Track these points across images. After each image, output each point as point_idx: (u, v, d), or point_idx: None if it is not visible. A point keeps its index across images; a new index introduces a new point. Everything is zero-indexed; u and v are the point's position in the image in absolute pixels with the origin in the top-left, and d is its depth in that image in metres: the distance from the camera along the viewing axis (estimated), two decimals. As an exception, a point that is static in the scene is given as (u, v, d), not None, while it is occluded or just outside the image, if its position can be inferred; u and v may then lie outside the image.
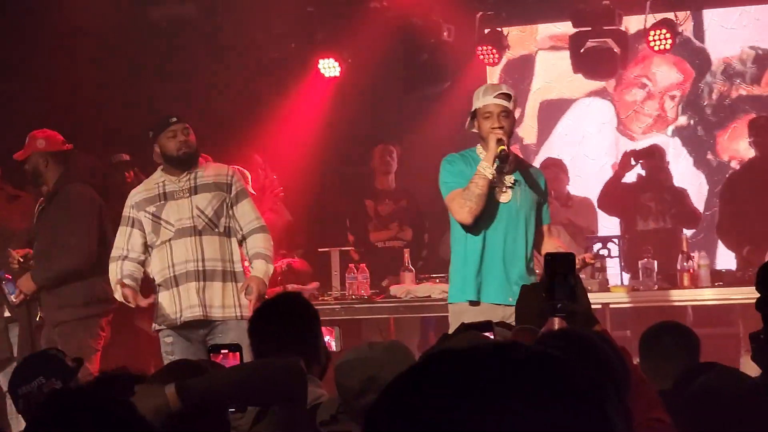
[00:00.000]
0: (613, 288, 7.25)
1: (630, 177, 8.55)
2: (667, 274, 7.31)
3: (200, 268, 5.90)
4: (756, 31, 9.72)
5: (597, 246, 7.57)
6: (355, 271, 7.54)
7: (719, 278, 7.34)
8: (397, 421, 1.04)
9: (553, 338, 2.75)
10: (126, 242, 6.03)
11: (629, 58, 9.10)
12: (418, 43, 9.01)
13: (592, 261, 5.87)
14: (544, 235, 5.61)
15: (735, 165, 9.57)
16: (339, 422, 3.30)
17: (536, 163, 8.64)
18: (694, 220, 8.50)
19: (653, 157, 8.43)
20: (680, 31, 8.89)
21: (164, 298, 5.95)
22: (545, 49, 10.14)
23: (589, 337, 2.62)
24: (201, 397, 2.75)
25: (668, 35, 8.62)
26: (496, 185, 5.43)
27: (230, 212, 6.02)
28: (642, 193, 8.40)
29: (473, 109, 5.46)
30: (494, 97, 5.37)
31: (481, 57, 9.17)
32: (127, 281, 5.91)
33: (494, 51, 9.12)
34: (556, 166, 8.54)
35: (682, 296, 7.25)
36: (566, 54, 9.01)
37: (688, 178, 9.33)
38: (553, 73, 10.05)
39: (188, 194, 5.98)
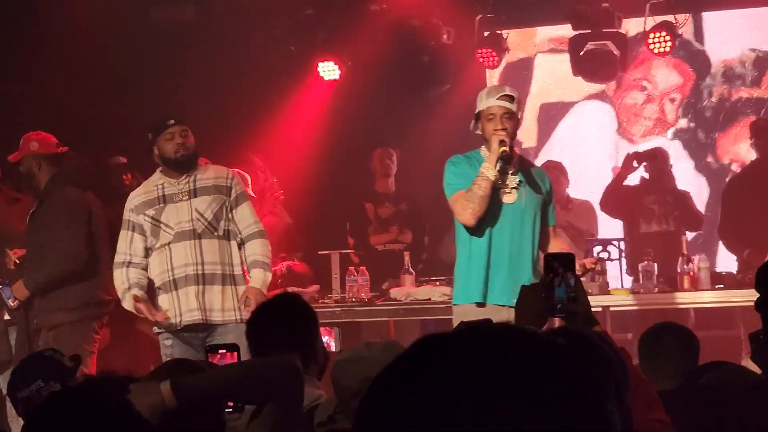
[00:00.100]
0: (613, 291, 7.24)
1: (633, 179, 8.55)
2: (668, 276, 7.30)
3: (200, 272, 5.89)
4: (756, 34, 9.71)
5: (597, 249, 7.57)
6: (355, 273, 7.53)
7: (719, 281, 7.33)
8: (388, 414, 1.03)
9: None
10: (128, 247, 6.01)
11: (629, 60, 9.10)
12: (418, 46, 9.01)
13: (593, 266, 5.86)
14: (549, 236, 5.61)
15: (735, 168, 9.56)
16: (336, 422, 3.29)
17: (536, 165, 8.63)
18: (696, 223, 8.51)
19: (656, 159, 8.43)
20: (680, 33, 8.89)
21: (164, 301, 5.94)
22: (544, 52, 10.14)
23: (589, 337, 2.61)
24: (196, 394, 2.74)
25: (668, 38, 8.62)
26: (500, 186, 5.42)
27: (230, 215, 6.01)
28: (645, 196, 8.41)
29: (477, 111, 5.46)
30: (497, 99, 5.38)
31: (481, 60, 9.17)
32: (137, 292, 5.90)
33: (494, 54, 9.12)
34: (556, 169, 8.53)
35: (683, 299, 7.24)
36: (566, 57, 9.00)
37: (689, 180, 9.32)
38: (553, 76, 10.05)
39: (187, 197, 5.97)
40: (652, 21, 8.72)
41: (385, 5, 9.05)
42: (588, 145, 10.05)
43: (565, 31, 9.11)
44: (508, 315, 5.04)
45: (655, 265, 7.26)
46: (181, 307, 5.89)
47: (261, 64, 9.37)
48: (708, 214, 9.02)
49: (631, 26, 9.18)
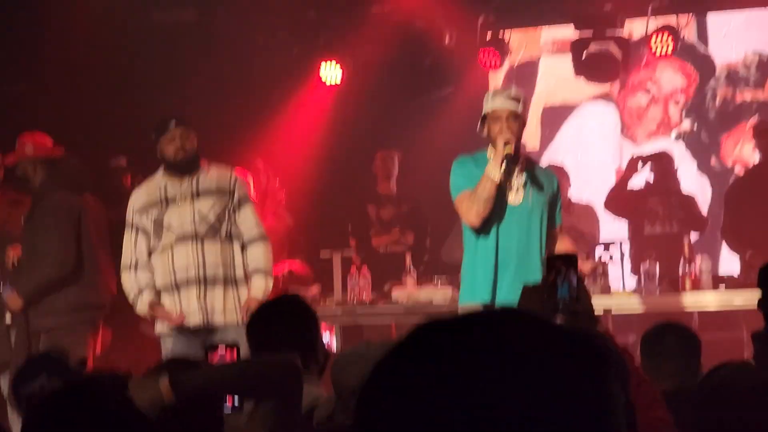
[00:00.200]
0: (615, 293, 7.23)
1: (638, 181, 8.55)
2: (671, 278, 7.30)
3: (201, 274, 5.88)
4: (760, 36, 9.71)
5: (599, 250, 7.56)
6: (357, 275, 7.52)
7: (721, 282, 7.32)
8: (388, 399, 1.02)
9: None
10: (133, 249, 6.01)
11: (631, 62, 9.10)
12: (420, 48, 9.02)
13: (591, 271, 5.86)
14: (556, 237, 5.60)
15: (739, 169, 9.56)
16: (335, 421, 3.29)
17: (538, 168, 8.62)
18: (701, 225, 8.50)
19: (661, 161, 8.44)
20: (682, 35, 8.89)
21: (166, 302, 5.94)
22: (548, 54, 10.13)
23: (591, 333, 2.61)
24: (194, 389, 2.74)
25: (670, 39, 8.62)
26: (506, 187, 5.42)
27: (232, 218, 6.00)
28: (649, 198, 8.40)
29: (483, 112, 5.47)
30: (503, 100, 5.38)
31: (483, 62, 9.17)
32: (151, 297, 5.89)
33: (496, 56, 9.11)
34: (557, 172, 8.53)
35: (684, 301, 7.23)
36: (569, 58, 9.00)
37: (692, 182, 9.31)
38: (556, 77, 10.04)
39: (190, 199, 5.96)
40: (654, 23, 8.72)
41: (388, 7, 9.05)
42: (592, 147, 10.04)
43: (570, 32, 9.11)
44: None
45: (658, 266, 7.24)
46: (183, 308, 5.89)
47: (263, 66, 9.37)
48: (710, 215, 9.00)
49: (634, 28, 9.17)
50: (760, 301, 3.39)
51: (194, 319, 5.87)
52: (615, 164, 9.82)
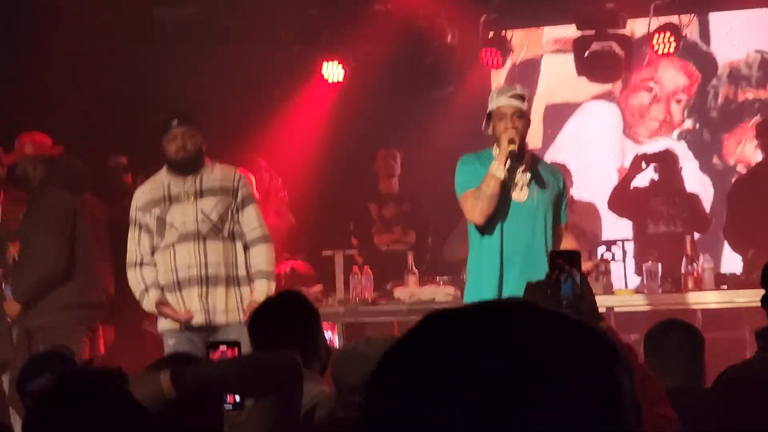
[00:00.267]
0: (617, 291, 7.23)
1: (642, 180, 8.54)
2: (675, 277, 7.30)
3: (203, 273, 5.88)
4: (762, 35, 9.70)
5: (601, 249, 7.56)
6: (359, 274, 7.52)
7: (724, 281, 7.32)
8: (396, 390, 1.02)
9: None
10: (137, 245, 6.01)
11: (633, 61, 9.09)
12: (422, 47, 9.01)
13: (593, 269, 5.86)
14: (561, 234, 5.60)
15: (741, 169, 9.55)
16: (336, 418, 3.29)
17: (540, 166, 8.61)
18: (704, 225, 8.50)
19: (666, 161, 8.44)
20: (684, 34, 8.88)
21: (171, 300, 5.94)
22: (551, 53, 10.13)
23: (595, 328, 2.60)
24: (195, 384, 2.74)
25: (672, 38, 8.62)
26: (510, 185, 5.42)
27: (235, 217, 5.99)
28: (653, 197, 8.40)
29: (488, 110, 5.47)
30: (508, 98, 5.39)
31: (485, 61, 9.17)
32: (157, 295, 5.90)
33: (498, 54, 9.12)
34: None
35: (686, 300, 7.22)
36: (571, 57, 8.99)
37: (694, 181, 9.31)
38: (559, 76, 10.04)
39: (193, 197, 5.96)
40: (657, 22, 8.72)
41: (390, 6, 9.04)
42: (594, 146, 10.03)
43: (572, 31, 9.10)
44: None
45: (660, 265, 7.24)
46: (185, 306, 5.89)
47: (265, 64, 9.36)
48: (713, 214, 9.00)
49: (636, 27, 9.17)
50: (763, 299, 3.39)
51: (196, 318, 5.88)
52: (617, 163, 9.82)
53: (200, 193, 5.96)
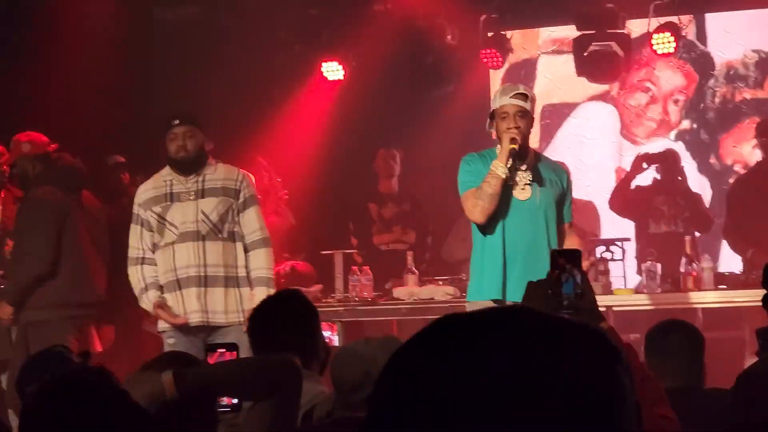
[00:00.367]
0: (617, 291, 7.24)
1: (644, 180, 8.55)
2: (674, 277, 7.31)
3: (202, 274, 5.88)
4: (759, 35, 9.71)
5: (600, 249, 7.56)
6: (359, 273, 7.53)
7: (723, 281, 7.33)
8: (404, 390, 1.03)
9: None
10: (139, 242, 6.00)
11: (632, 61, 9.10)
12: (422, 47, 9.01)
13: (590, 267, 5.87)
14: (564, 233, 5.60)
15: (738, 168, 9.56)
16: (335, 417, 3.30)
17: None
18: (706, 224, 8.51)
19: (667, 160, 8.44)
20: (683, 34, 8.89)
21: (168, 300, 5.93)
22: (547, 53, 10.13)
23: (597, 329, 2.61)
24: (196, 386, 2.75)
25: (671, 39, 8.62)
26: (513, 183, 5.42)
27: (236, 218, 5.99)
28: (655, 197, 8.41)
29: (491, 110, 5.48)
30: (511, 98, 5.39)
31: (485, 60, 9.18)
32: (156, 297, 5.89)
33: (497, 54, 9.12)
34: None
35: (686, 299, 7.23)
36: (569, 58, 9.00)
37: (692, 181, 9.32)
38: (556, 77, 10.04)
39: (195, 197, 5.95)
40: (656, 22, 8.72)
41: (390, 5, 9.05)
42: (591, 146, 10.04)
43: (568, 31, 9.11)
44: None
45: (659, 265, 7.25)
46: (185, 307, 5.89)
47: (265, 64, 9.37)
48: (712, 214, 9.01)
49: (635, 27, 9.17)
50: (765, 299, 3.40)
51: (195, 318, 5.87)
52: (614, 164, 9.82)
53: (202, 193, 5.96)
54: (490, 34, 9.23)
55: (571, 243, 5.52)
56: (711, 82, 9.85)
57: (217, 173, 6.03)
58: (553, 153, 9.89)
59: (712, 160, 9.82)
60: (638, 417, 1.07)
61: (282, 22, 9.23)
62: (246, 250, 5.98)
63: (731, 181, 9.16)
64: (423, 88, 9.16)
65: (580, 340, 1.05)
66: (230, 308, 5.90)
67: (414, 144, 9.12)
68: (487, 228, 5.43)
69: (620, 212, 8.63)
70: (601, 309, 3.41)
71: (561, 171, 5.73)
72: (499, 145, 5.46)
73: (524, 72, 10.13)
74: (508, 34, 9.30)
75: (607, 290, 7.18)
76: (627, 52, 8.68)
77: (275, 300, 4.20)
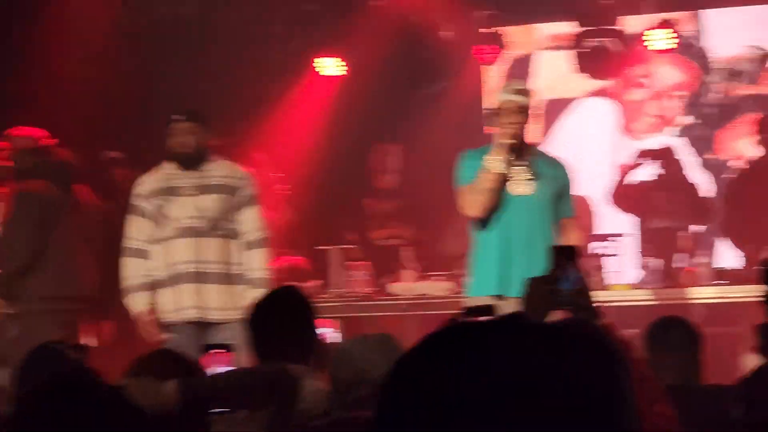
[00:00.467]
0: (614, 286, 7.25)
1: (644, 175, 8.55)
2: (673, 272, 7.32)
3: (198, 270, 5.87)
4: (756, 31, 9.71)
5: (595, 244, 7.57)
6: (356, 268, 7.53)
7: (722, 276, 7.34)
8: (408, 396, 1.03)
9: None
10: (138, 232, 5.99)
11: (630, 57, 9.10)
12: (417, 42, 9.03)
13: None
14: (566, 228, 5.59)
15: (736, 164, 9.56)
16: (333, 415, 3.29)
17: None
18: (707, 220, 8.52)
19: (668, 156, 8.45)
20: (682, 31, 8.90)
21: (164, 295, 5.93)
22: (544, 49, 10.12)
23: (596, 328, 2.61)
24: (200, 396, 2.76)
25: (670, 35, 8.63)
26: (510, 179, 5.43)
27: (235, 216, 5.98)
28: (656, 192, 8.41)
29: (492, 107, 5.50)
30: (509, 94, 5.41)
31: (479, 56, 9.18)
32: (144, 302, 5.88)
33: (493, 50, 9.13)
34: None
35: (684, 294, 7.24)
36: (565, 53, 9.00)
37: (691, 177, 9.32)
38: (552, 73, 10.04)
39: (194, 192, 5.94)
40: (654, 18, 8.73)
41: (385, 1, 9.05)
42: (589, 142, 10.03)
43: (565, 28, 9.11)
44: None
45: (659, 260, 7.26)
46: (181, 302, 5.88)
47: (261, 60, 9.37)
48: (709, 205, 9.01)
49: (634, 23, 9.17)
50: (765, 297, 3.40)
51: (190, 314, 5.87)
52: (612, 159, 9.82)
53: (202, 189, 5.95)
54: (485, 30, 9.23)
55: (571, 238, 5.52)
56: (709, 78, 9.85)
57: (219, 170, 6.01)
58: (550, 149, 9.90)
59: (710, 156, 9.82)
60: (638, 416, 1.07)
61: (278, 18, 9.23)
62: (244, 249, 5.97)
63: (728, 176, 9.15)
64: (418, 84, 9.17)
65: (580, 340, 1.06)
66: (226, 305, 5.89)
67: (410, 139, 9.12)
68: (485, 223, 5.44)
69: (621, 208, 8.63)
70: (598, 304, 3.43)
71: (560, 166, 5.73)
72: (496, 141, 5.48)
73: (522, 68, 10.12)
74: (505, 30, 9.30)
75: (601, 286, 7.18)
76: (625, 48, 8.69)
77: (273, 296, 4.19)
